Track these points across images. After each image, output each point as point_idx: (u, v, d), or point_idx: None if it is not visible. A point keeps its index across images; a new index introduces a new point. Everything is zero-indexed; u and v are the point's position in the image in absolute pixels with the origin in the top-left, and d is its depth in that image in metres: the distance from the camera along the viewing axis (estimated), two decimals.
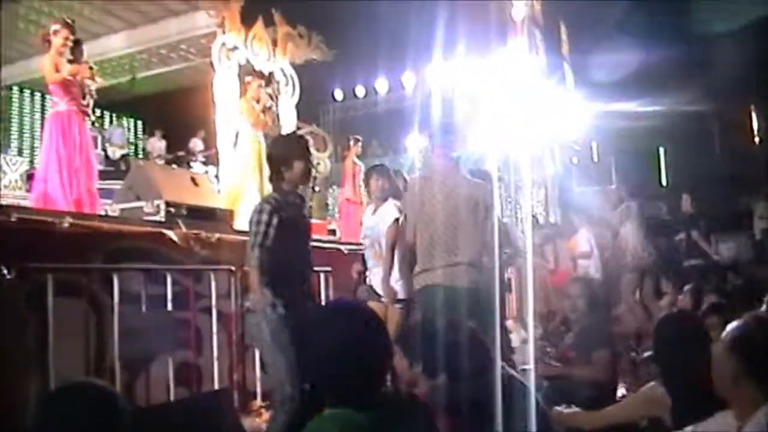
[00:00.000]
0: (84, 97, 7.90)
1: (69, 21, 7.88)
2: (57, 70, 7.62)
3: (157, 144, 17.22)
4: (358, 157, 14.03)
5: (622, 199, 9.70)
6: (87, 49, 15.43)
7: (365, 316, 2.48)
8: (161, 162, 16.01)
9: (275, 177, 4.81)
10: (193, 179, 7.51)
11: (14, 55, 15.43)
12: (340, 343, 2.36)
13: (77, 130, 7.68)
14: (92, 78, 8.08)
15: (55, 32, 7.69)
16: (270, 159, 4.91)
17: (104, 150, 16.32)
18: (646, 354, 6.11)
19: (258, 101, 9.80)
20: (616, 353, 5.86)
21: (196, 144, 16.84)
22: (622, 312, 9.33)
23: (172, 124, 16.84)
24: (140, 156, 18.35)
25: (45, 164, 7.53)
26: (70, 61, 7.78)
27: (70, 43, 7.78)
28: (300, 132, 16.67)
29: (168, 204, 6.76)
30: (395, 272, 6.32)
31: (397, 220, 6.33)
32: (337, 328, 2.39)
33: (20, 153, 16.80)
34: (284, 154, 4.78)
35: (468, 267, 5.31)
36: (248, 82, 9.91)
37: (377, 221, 6.62)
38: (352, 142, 13.94)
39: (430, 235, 5.41)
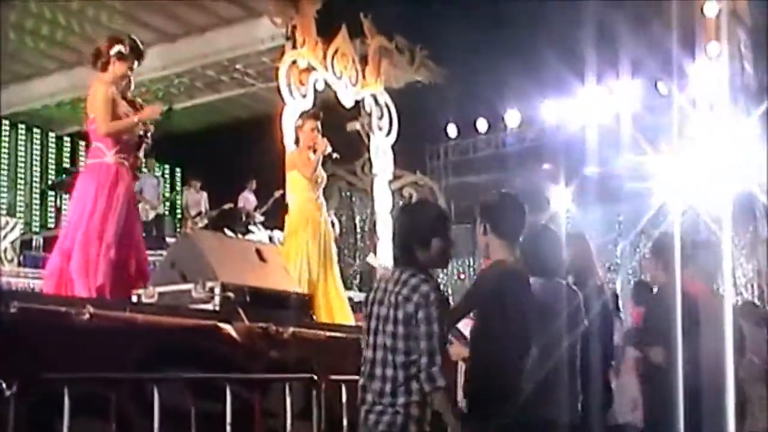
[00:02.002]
0: (138, 147, 8.02)
1: (141, 45, 8.04)
2: (115, 111, 7.72)
3: (194, 198, 17.34)
4: None
5: None
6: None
7: None
8: (202, 223, 16.16)
9: (405, 255, 4.98)
10: (258, 252, 7.50)
11: (4, 78, 15.91)
12: None
13: (128, 192, 7.79)
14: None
15: (120, 57, 7.84)
16: (403, 232, 5.05)
17: None
18: None
19: (314, 150, 9.70)
20: None
21: (248, 200, 16.95)
22: None
23: (221, 171, 17.06)
24: (179, 214, 18.66)
25: (71, 232, 7.59)
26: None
27: (131, 75, 7.96)
28: (401, 182, 16.80)
29: (225, 287, 6.74)
30: None
31: None
32: None
33: (11, 212, 17.31)
34: (421, 229, 4.97)
35: None
36: (299, 127, 9.84)
37: None
38: None
39: None
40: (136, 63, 7.93)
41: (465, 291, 5.81)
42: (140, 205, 16.37)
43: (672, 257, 7.06)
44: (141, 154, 8.08)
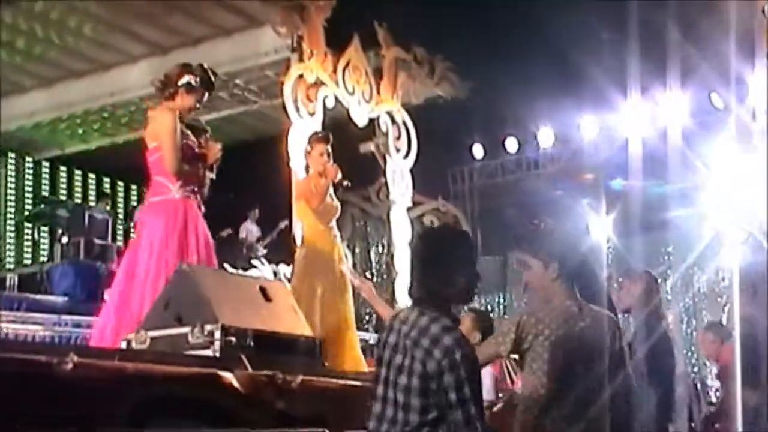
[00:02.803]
0: (202, 182, 8.16)
1: (212, 76, 8.17)
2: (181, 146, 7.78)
3: None
4: None
5: None
6: (91, 85, 16.09)
7: None
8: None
9: (423, 291, 4.85)
10: (263, 290, 7.44)
11: None
12: None
13: (200, 231, 7.99)
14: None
15: (190, 89, 7.94)
16: (422, 264, 4.92)
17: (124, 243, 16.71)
18: None
19: (324, 176, 9.66)
20: None
21: (250, 231, 16.94)
22: None
23: (220, 200, 17.01)
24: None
25: (123, 283, 7.73)
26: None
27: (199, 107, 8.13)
28: (421, 209, 16.73)
29: (226, 330, 6.69)
30: None
31: None
32: None
33: None
34: (443, 260, 4.84)
35: None
36: (307, 152, 9.80)
37: None
38: None
39: None
40: (206, 95, 8.08)
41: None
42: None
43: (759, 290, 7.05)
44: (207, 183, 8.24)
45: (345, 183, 9.65)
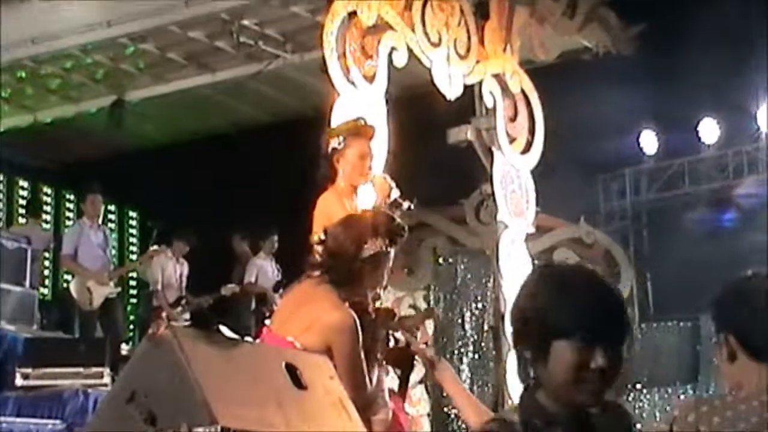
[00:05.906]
0: None
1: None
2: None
3: (169, 270, 17.25)
4: None
5: None
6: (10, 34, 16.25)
7: None
8: (183, 318, 16.24)
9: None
10: (290, 369, 7.57)
11: None
12: None
13: None
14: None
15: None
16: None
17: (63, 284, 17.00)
18: None
19: (356, 188, 9.69)
20: None
21: (263, 270, 16.83)
22: None
23: (214, 219, 17.22)
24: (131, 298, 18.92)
25: None
26: None
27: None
28: (551, 238, 16.68)
29: None
30: None
31: None
32: None
33: None
34: None
35: None
36: (338, 150, 9.64)
37: None
38: None
39: None
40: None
41: None
42: (74, 282, 16.62)
43: None
44: None
45: (406, 204, 9.67)
